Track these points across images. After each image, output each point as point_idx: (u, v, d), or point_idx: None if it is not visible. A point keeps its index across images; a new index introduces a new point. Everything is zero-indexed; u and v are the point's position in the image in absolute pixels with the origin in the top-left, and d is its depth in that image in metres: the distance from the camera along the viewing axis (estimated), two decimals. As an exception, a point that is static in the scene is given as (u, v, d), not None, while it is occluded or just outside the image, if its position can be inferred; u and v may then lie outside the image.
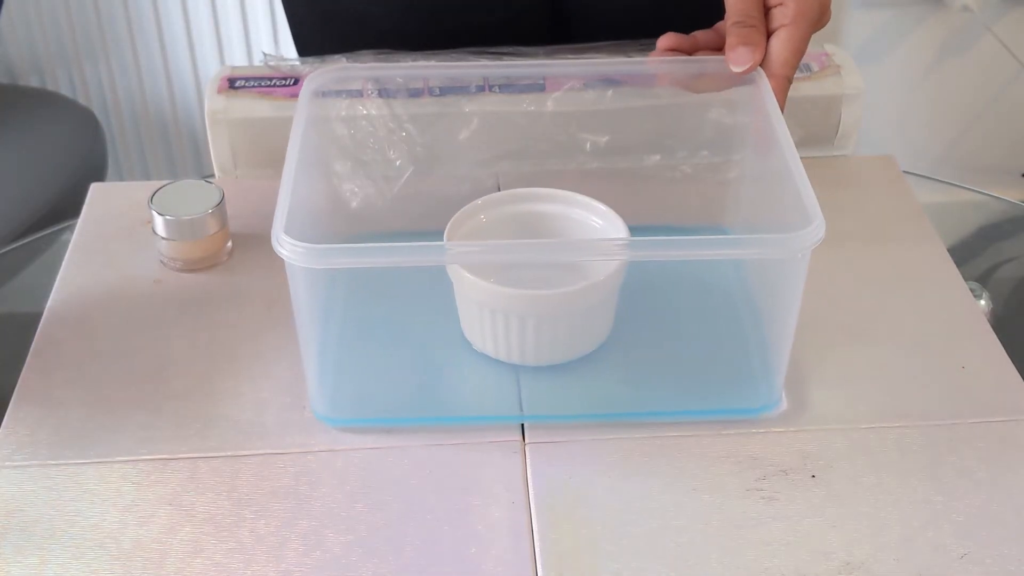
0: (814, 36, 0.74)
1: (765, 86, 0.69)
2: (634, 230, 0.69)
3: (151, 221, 0.77)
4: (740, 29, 0.69)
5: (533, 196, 0.73)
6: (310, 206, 0.72)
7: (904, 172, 0.88)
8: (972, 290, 0.77)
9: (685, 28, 0.74)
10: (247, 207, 0.82)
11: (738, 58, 0.69)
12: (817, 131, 0.86)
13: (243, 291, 0.77)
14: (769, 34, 0.70)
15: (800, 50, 0.70)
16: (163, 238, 0.77)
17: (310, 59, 0.84)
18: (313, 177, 0.75)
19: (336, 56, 0.82)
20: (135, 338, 0.73)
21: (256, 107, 0.85)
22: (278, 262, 0.60)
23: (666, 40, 0.73)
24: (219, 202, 0.77)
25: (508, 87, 0.81)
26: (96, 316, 0.75)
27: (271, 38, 1.78)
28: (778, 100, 0.69)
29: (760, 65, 0.70)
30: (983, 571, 0.59)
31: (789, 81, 0.70)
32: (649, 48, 0.75)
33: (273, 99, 0.82)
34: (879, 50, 1.74)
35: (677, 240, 0.60)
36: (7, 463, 0.65)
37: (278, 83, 0.88)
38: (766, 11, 0.70)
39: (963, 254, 0.82)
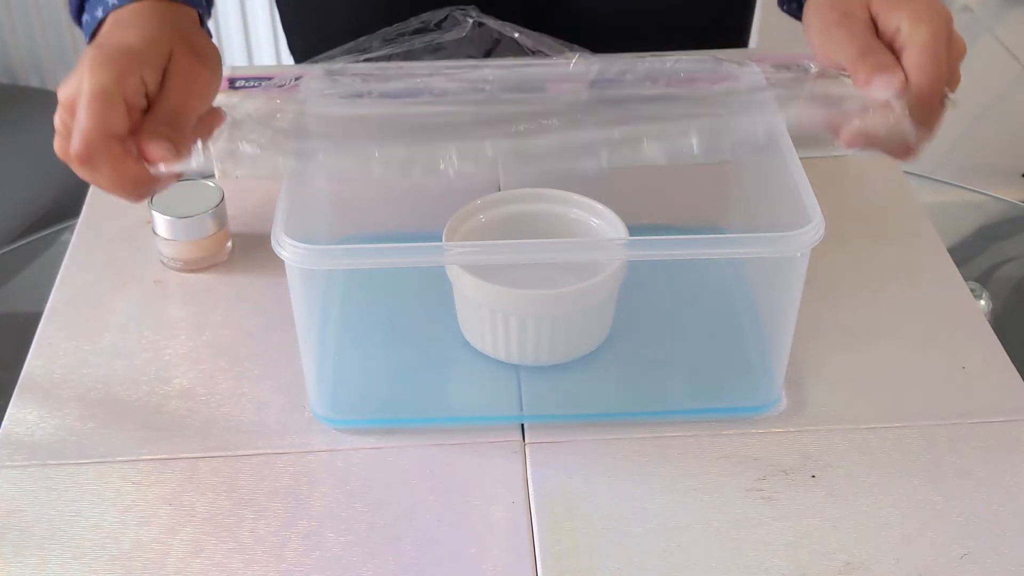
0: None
1: (758, 79, 0.69)
2: (634, 230, 0.69)
3: (151, 221, 0.77)
4: (865, 58, 0.62)
5: (533, 196, 0.73)
6: (310, 206, 0.72)
7: (904, 172, 0.88)
8: (972, 290, 0.77)
9: (669, 35, 0.74)
10: (247, 207, 0.82)
11: (883, 83, 0.60)
12: (817, 131, 0.86)
13: (243, 291, 0.77)
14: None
15: (936, 55, 0.61)
16: (163, 238, 0.77)
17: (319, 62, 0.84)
18: (313, 177, 0.75)
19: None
20: (135, 338, 0.73)
21: (256, 107, 0.85)
22: (278, 262, 0.60)
23: None
24: (219, 202, 0.77)
25: (508, 87, 0.81)
26: (96, 316, 0.75)
27: (271, 38, 1.78)
28: (928, 123, 0.61)
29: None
30: (983, 571, 0.59)
31: (940, 96, 0.61)
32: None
33: (273, 99, 0.82)
34: (879, 50, 1.73)
35: (677, 240, 0.60)
36: (7, 463, 0.65)
37: (278, 83, 0.88)
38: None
39: (963, 254, 0.82)
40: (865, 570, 0.59)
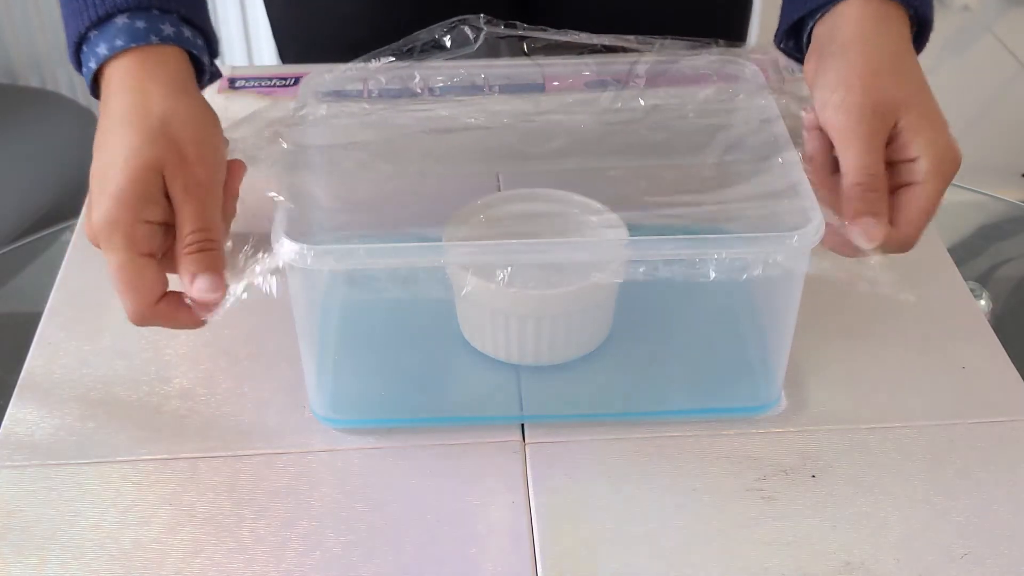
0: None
1: (760, 80, 0.69)
2: (634, 230, 0.69)
3: (151, 221, 0.77)
4: (864, 193, 0.60)
5: (533, 196, 0.73)
6: (310, 206, 0.71)
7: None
8: (972, 290, 0.77)
9: (654, 22, 0.74)
10: (247, 207, 0.82)
11: (867, 232, 0.59)
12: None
13: (243, 291, 0.76)
14: (894, 188, 0.61)
15: (931, 212, 0.61)
16: (163, 238, 0.77)
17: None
18: (313, 177, 0.75)
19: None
20: (135, 338, 0.73)
21: (256, 107, 0.85)
22: (278, 262, 0.60)
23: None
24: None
25: (508, 87, 0.81)
26: (96, 316, 0.75)
27: (271, 38, 1.78)
28: (895, 247, 0.61)
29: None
30: (983, 571, 0.59)
31: (911, 243, 0.62)
32: (645, 44, 0.75)
33: (273, 99, 0.82)
34: (879, 50, 1.74)
35: (677, 240, 0.60)
36: (7, 463, 0.65)
37: (278, 83, 0.88)
38: (891, 165, 0.62)
39: (963, 254, 0.82)
40: (865, 570, 0.59)
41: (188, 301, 0.59)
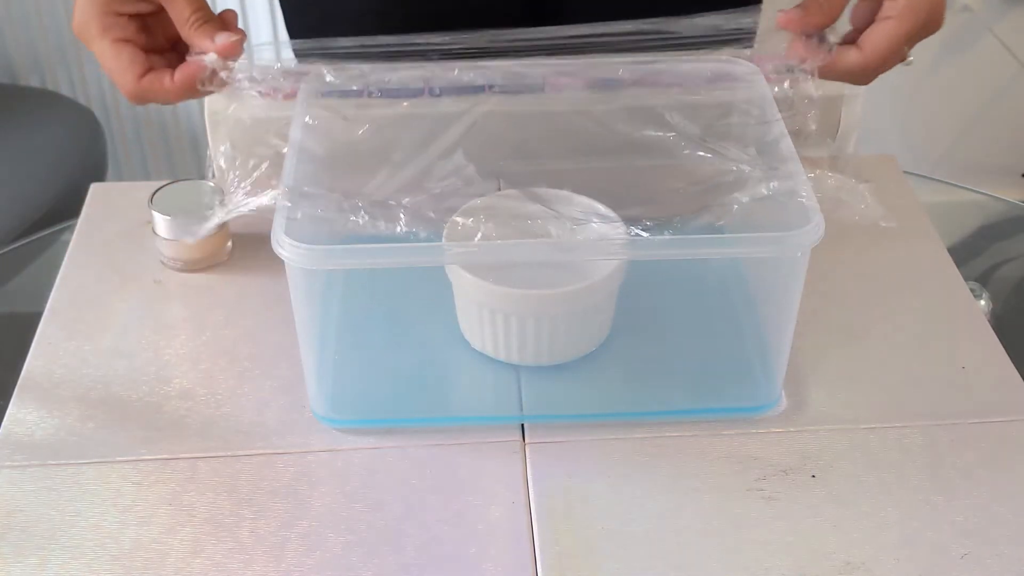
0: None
1: (760, 81, 0.69)
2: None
3: (151, 221, 0.77)
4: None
5: (533, 196, 0.73)
6: (310, 205, 0.71)
7: (904, 172, 0.88)
8: (972, 290, 0.77)
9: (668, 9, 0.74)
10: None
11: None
12: (817, 131, 0.86)
13: (243, 291, 0.77)
14: (873, 21, 0.69)
15: (898, 48, 0.68)
16: (163, 238, 0.77)
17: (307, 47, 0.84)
18: (312, 176, 0.75)
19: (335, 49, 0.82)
20: (135, 338, 0.73)
21: (256, 107, 0.85)
22: (278, 262, 0.60)
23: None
24: (219, 202, 0.77)
25: (508, 87, 0.81)
26: (96, 316, 0.75)
27: (271, 38, 1.78)
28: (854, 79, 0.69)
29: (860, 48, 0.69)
30: (983, 571, 0.59)
31: (876, 74, 0.69)
32: (642, 36, 0.75)
33: (273, 99, 0.82)
34: (879, 50, 1.73)
35: (677, 239, 0.60)
36: (7, 463, 0.65)
37: (279, 83, 0.88)
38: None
39: (963, 254, 0.82)
40: (865, 570, 0.59)
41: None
